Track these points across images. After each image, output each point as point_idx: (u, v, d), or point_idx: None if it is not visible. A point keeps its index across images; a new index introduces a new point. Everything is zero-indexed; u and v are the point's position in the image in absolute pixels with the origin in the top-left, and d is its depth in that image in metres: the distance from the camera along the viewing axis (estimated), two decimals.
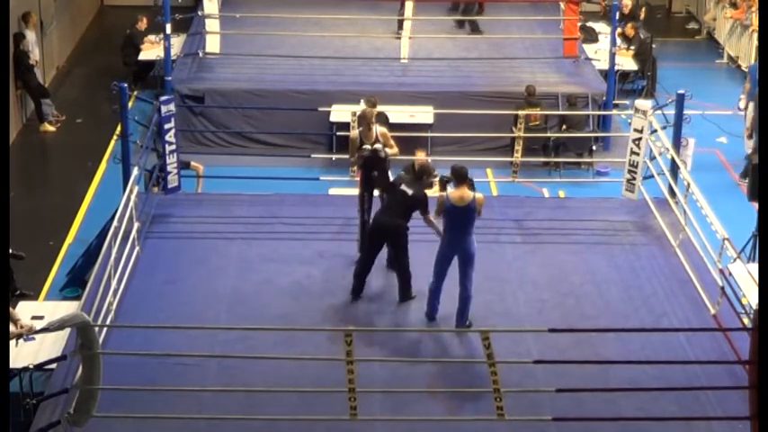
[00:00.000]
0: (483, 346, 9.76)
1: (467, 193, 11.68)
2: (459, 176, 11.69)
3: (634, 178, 14.81)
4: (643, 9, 23.07)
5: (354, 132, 13.55)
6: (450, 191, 11.77)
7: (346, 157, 15.83)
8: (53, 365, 10.84)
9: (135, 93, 17.02)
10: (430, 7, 22.03)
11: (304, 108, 18.07)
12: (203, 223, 14.40)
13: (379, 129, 13.27)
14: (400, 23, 20.69)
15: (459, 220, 11.75)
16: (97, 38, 24.62)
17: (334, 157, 17.26)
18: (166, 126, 14.69)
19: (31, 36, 19.75)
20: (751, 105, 18.80)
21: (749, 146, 18.59)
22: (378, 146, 13.19)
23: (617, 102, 19.93)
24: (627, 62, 20.84)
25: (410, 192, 12.32)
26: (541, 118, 18.09)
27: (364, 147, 13.17)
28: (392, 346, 11.69)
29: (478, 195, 11.76)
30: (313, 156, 17.28)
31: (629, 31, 21.30)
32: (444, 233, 11.95)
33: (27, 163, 18.42)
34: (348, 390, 9.82)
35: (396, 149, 13.34)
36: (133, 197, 13.38)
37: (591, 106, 18.84)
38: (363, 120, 13.35)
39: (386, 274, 13.09)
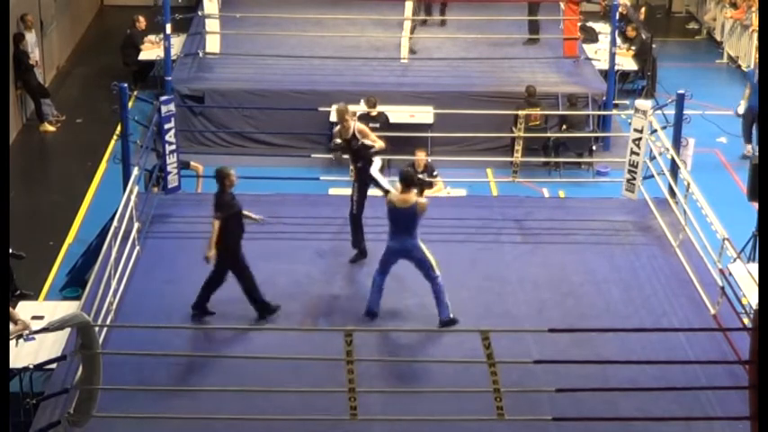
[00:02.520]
0: (483, 346, 9.76)
1: (410, 196, 11.91)
2: (405, 180, 12.00)
3: (634, 178, 14.81)
4: (643, 9, 23.08)
5: (337, 129, 13.72)
6: (395, 193, 12.11)
7: (346, 156, 15.92)
8: (53, 365, 10.84)
9: (135, 93, 17.04)
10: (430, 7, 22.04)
11: (304, 108, 18.07)
12: (203, 223, 14.30)
13: (357, 125, 13.35)
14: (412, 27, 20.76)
15: (401, 222, 11.97)
16: (97, 38, 24.63)
17: (334, 156, 17.25)
18: (166, 126, 14.70)
19: (30, 37, 19.76)
20: (743, 104, 18.84)
21: (747, 148, 18.62)
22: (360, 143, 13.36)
23: (617, 102, 19.94)
24: (627, 62, 20.84)
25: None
26: (541, 118, 18.10)
27: (337, 140, 13.53)
28: (392, 346, 11.68)
29: (421, 201, 11.99)
30: (313, 156, 17.28)
31: (631, 32, 21.30)
32: (389, 234, 12.16)
33: (27, 163, 18.42)
34: (348, 390, 9.82)
35: (379, 144, 13.36)
36: (133, 197, 13.38)
37: (591, 106, 18.84)
38: (337, 117, 13.51)
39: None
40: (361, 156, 13.31)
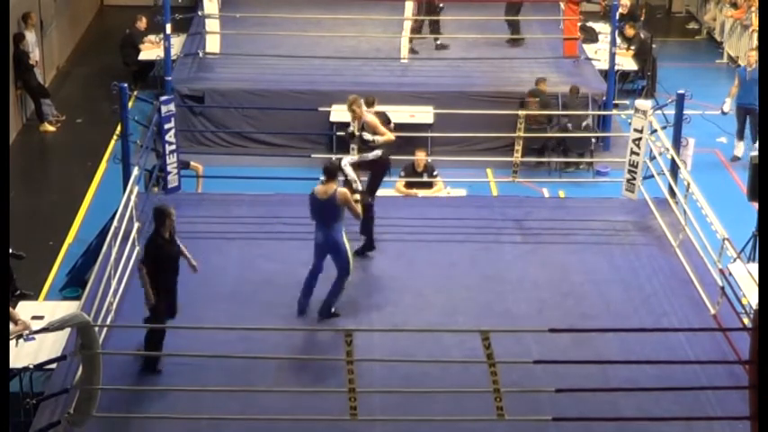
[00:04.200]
0: (483, 346, 9.76)
1: (330, 187, 12.02)
2: (326, 172, 12.15)
3: (634, 178, 14.81)
4: (643, 9, 23.07)
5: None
6: (318, 185, 12.18)
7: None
8: (53, 365, 10.84)
9: (135, 93, 17.03)
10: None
11: (304, 108, 18.07)
12: (203, 223, 14.39)
13: (367, 118, 13.45)
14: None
15: (323, 214, 12.08)
16: (97, 38, 24.62)
17: (334, 157, 17.23)
18: (166, 126, 14.71)
19: (30, 36, 19.76)
20: (728, 102, 18.79)
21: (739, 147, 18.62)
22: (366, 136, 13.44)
23: (617, 102, 19.93)
24: (627, 62, 20.84)
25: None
26: (542, 117, 18.06)
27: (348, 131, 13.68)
28: (392, 346, 11.69)
29: (341, 189, 12.06)
30: (313, 156, 17.27)
31: (629, 31, 21.30)
32: (315, 229, 12.27)
33: (27, 163, 18.42)
34: (348, 390, 9.82)
35: (389, 135, 13.38)
36: (133, 197, 13.38)
37: (591, 106, 18.83)
38: (347, 107, 13.65)
39: (385, 274, 13.09)
40: (366, 149, 13.43)
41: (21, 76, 19.32)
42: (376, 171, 13.43)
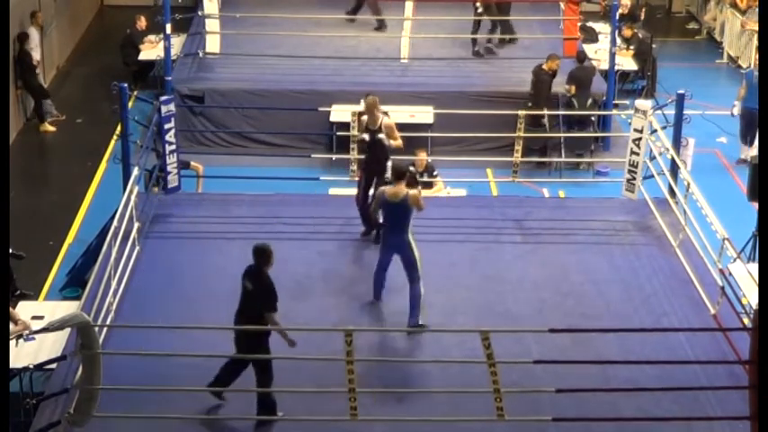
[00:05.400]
0: (483, 346, 9.77)
1: (402, 189, 12.05)
2: (397, 174, 12.20)
3: (634, 178, 14.82)
4: (643, 9, 23.05)
5: (363, 118, 14.04)
6: (388, 187, 12.24)
7: (346, 156, 15.95)
8: (53, 365, 10.85)
9: (135, 93, 17.04)
10: (430, 7, 22.03)
11: (304, 108, 18.08)
12: (203, 223, 14.41)
13: (385, 120, 13.71)
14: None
15: (394, 216, 12.11)
16: (97, 38, 24.63)
17: (334, 157, 17.28)
18: (166, 126, 14.71)
19: (34, 35, 19.76)
20: (737, 105, 18.71)
21: (744, 150, 18.57)
22: (380, 135, 13.69)
23: (617, 102, 19.93)
24: (627, 62, 20.85)
25: None
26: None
27: (363, 135, 13.80)
28: (392, 346, 11.69)
29: (412, 192, 12.10)
30: (313, 156, 17.29)
31: (626, 32, 21.30)
32: (384, 227, 12.46)
33: (27, 163, 18.42)
34: (348, 390, 9.83)
35: (399, 142, 13.79)
36: (133, 197, 13.39)
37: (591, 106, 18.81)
38: (367, 108, 13.80)
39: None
40: (376, 149, 13.61)
41: (22, 75, 19.33)
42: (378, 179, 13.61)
